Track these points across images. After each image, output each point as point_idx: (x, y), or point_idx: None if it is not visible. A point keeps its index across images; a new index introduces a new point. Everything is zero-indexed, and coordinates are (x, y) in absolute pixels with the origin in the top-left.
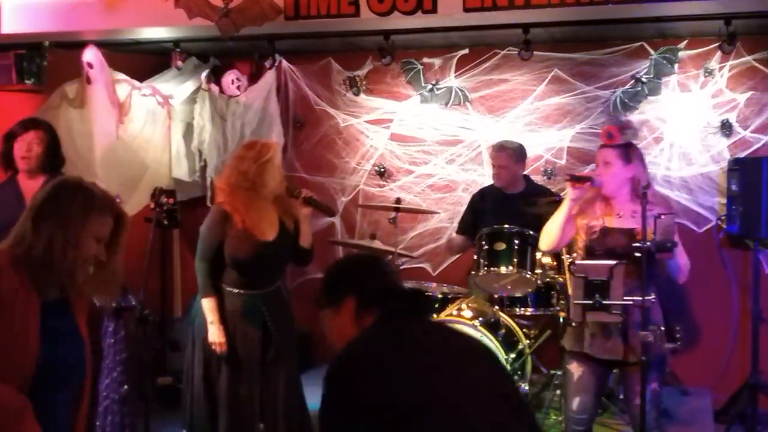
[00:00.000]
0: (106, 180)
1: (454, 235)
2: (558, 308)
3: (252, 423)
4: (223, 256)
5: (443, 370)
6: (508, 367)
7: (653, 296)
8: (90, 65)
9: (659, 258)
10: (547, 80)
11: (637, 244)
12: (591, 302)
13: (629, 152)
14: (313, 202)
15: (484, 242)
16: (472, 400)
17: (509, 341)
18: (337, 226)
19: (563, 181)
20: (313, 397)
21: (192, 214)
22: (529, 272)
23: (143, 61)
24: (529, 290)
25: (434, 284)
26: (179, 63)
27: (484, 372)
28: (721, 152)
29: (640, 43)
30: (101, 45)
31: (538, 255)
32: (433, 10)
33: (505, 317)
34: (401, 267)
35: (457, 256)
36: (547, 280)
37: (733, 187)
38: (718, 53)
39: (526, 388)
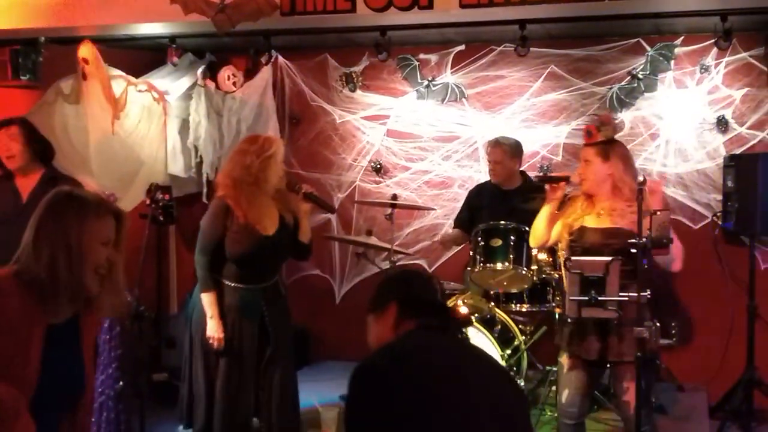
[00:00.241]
0: (102, 176)
1: (449, 230)
2: (554, 304)
3: (246, 417)
4: (223, 250)
5: (458, 386)
6: (504, 363)
7: (648, 292)
8: (86, 61)
9: (655, 255)
10: (543, 76)
11: (632, 241)
12: (587, 298)
13: (608, 150)
14: (314, 198)
15: (480, 238)
16: (474, 419)
17: (505, 337)
18: (333, 222)
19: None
20: (309, 394)
21: (188, 210)
22: (525, 268)
23: (139, 56)
24: (525, 286)
25: None
26: (175, 59)
27: (500, 395)
28: (717, 149)
29: (636, 40)
30: (97, 41)
31: (534, 251)
32: (430, 6)
33: (500, 313)
34: (397, 263)
35: (453, 251)
36: (543, 276)
37: (729, 184)
38: (714, 50)
39: (522, 384)
